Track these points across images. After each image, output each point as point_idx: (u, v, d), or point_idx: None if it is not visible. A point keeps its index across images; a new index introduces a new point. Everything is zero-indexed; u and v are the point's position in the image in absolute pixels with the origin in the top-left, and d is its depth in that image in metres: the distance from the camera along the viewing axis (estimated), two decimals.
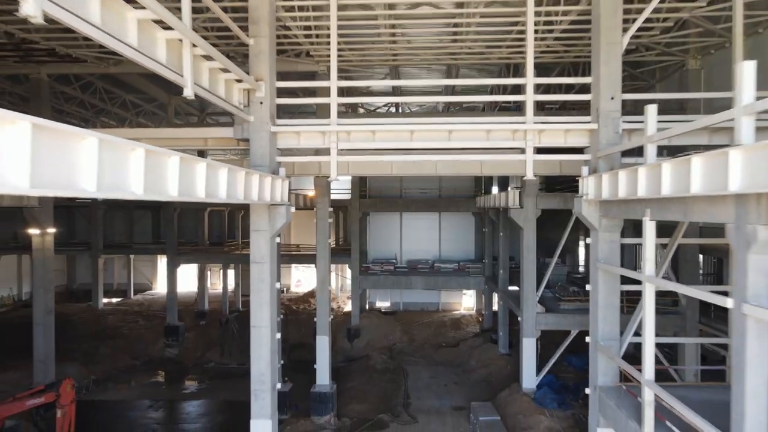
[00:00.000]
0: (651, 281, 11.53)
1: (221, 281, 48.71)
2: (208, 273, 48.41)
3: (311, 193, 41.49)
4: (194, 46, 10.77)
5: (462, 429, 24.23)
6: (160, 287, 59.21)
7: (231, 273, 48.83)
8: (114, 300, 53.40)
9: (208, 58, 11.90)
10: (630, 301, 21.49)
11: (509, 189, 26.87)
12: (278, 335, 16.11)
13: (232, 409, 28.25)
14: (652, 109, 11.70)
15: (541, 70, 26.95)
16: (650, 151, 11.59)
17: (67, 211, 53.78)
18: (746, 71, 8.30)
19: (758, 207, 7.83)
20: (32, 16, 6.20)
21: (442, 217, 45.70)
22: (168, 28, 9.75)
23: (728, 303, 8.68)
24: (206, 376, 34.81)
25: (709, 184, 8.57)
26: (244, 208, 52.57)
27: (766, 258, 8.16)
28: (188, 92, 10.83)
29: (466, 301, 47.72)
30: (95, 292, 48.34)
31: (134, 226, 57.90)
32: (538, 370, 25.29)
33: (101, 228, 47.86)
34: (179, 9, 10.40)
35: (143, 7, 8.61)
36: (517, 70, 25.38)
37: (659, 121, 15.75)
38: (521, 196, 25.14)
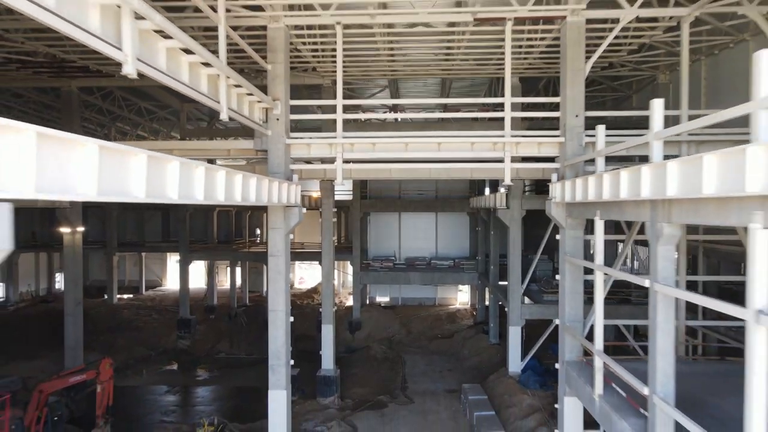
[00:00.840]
0: (599, 269, 14.13)
1: (228, 278, 51.30)
2: (216, 270, 50.97)
3: (315, 194, 44.16)
4: (228, 78, 13.36)
5: (453, 408, 26.80)
6: (170, 284, 61.85)
7: (237, 270, 51.35)
8: (126, 296, 55.97)
9: (237, 85, 14.49)
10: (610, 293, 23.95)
11: (498, 191, 29.43)
12: (291, 318, 18.66)
13: (243, 395, 30.73)
14: (601, 129, 14.31)
15: (527, 82, 29.51)
16: (599, 162, 14.20)
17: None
18: (657, 106, 10.88)
19: (663, 210, 10.41)
20: (130, 74, 8.84)
21: (439, 216, 48.27)
22: (208, 65, 12.33)
23: (646, 283, 11.27)
24: (217, 366, 37.31)
25: (630, 191, 11.17)
26: (251, 209, 55.18)
27: (670, 248, 10.75)
28: (224, 116, 13.47)
29: (461, 296, 50.32)
30: (110, 287, 50.91)
31: (145, 226, 60.48)
32: (523, 356, 27.85)
33: (115, 227, 50.48)
34: (206, 37, 13.00)
35: (193, 53, 11.20)
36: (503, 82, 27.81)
37: (620, 135, 18.43)
38: (508, 198, 27.70)
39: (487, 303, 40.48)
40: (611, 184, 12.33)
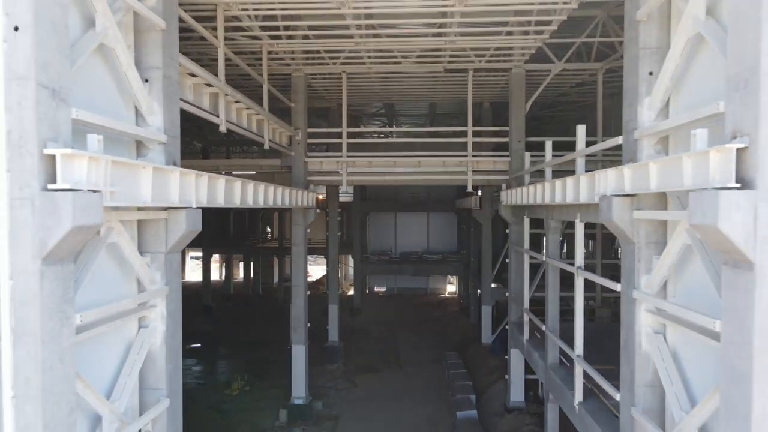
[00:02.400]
0: (526, 252, 20.33)
1: (241, 271, 57.59)
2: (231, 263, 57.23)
3: (321, 196, 50.36)
4: (269, 121, 19.58)
5: (436, 372, 32.95)
6: (187, 276, 68.10)
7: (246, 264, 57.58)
8: None
9: (272, 122, 20.69)
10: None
11: (474, 195, 35.62)
12: (308, 292, 24.86)
13: (259, 365, 36.77)
14: (527, 154, 20.48)
15: (497, 105, 35.60)
16: (526, 178, 20.38)
17: None
18: (580, 130, 16.93)
19: (550, 211, 16.55)
20: (222, 131, 15.06)
21: (430, 216, 54.49)
22: (255, 112, 18.51)
23: (543, 259, 17.45)
24: (234, 345, 43.42)
25: (537, 198, 17.33)
26: (263, 210, 61.38)
27: (556, 236, 16.90)
28: (266, 146, 19.69)
29: (449, 286, 56.51)
30: None
31: None
32: (494, 330, 33.99)
33: None
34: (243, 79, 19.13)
35: (249, 108, 17.41)
36: (480, 106, 33.90)
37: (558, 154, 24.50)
38: (481, 201, 33.86)
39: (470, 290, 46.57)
40: (530, 193, 18.51)
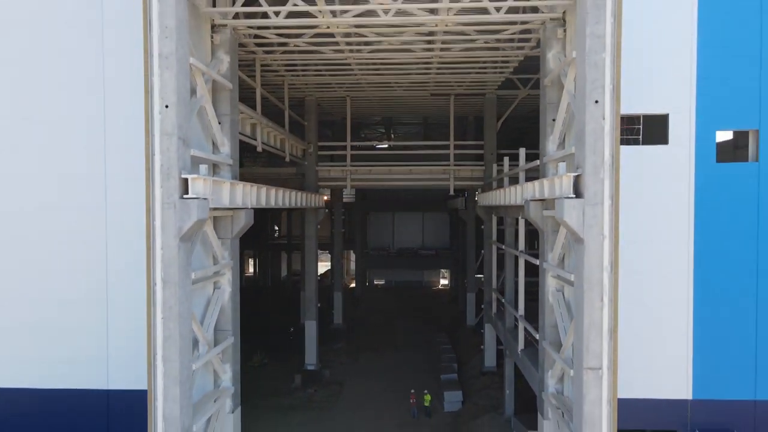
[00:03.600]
0: (494, 244, 25.53)
1: (251, 266, 62.69)
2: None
3: (326, 197, 55.53)
4: (289, 140, 24.76)
5: (427, 349, 38.07)
6: None
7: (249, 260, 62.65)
8: None
9: (291, 139, 25.86)
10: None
11: (460, 197, 40.75)
12: (319, 277, 30.04)
13: (272, 347, 41.85)
14: (495, 166, 25.65)
15: (481, 119, 40.66)
16: (495, 184, 25.55)
17: None
18: (521, 152, 22.17)
19: (506, 210, 21.72)
20: (259, 150, 20.31)
21: (425, 215, 59.63)
22: (280, 134, 23.67)
23: (503, 248, 22.64)
24: (249, 332, 48.56)
25: (497, 201, 22.52)
26: (272, 210, 66.53)
27: (511, 230, 22.05)
28: (287, 159, 24.90)
29: (442, 280, 61.67)
30: None
31: None
32: (477, 314, 39.14)
33: None
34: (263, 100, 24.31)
35: (276, 131, 22.61)
36: (466, 119, 38.98)
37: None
38: (466, 202, 39.02)
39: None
40: (493, 197, 23.69)
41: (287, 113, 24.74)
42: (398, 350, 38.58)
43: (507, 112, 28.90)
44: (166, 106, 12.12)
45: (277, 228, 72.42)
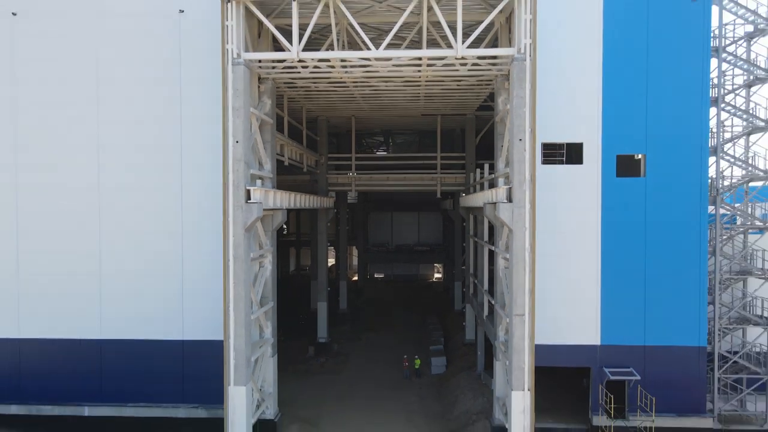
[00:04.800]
0: (471, 238, 31.72)
1: None
2: None
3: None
4: (306, 154, 30.96)
5: (419, 332, 44.18)
6: None
7: None
8: None
9: (307, 153, 32.02)
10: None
11: (448, 199, 46.85)
12: (329, 264, 36.20)
13: (285, 333, 47.98)
14: (476, 173, 31.81)
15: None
16: (471, 189, 31.71)
17: None
18: (486, 166, 28.33)
19: (479, 210, 27.88)
20: (285, 163, 26.55)
21: (420, 215, 65.74)
22: (299, 150, 29.87)
23: (483, 243, 28.81)
24: None
25: (472, 203, 28.71)
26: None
27: (483, 227, 28.20)
28: (305, 169, 31.11)
29: (436, 273, 67.79)
30: None
31: None
32: (463, 299, 45.26)
33: None
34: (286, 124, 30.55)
35: (297, 147, 28.84)
36: (454, 131, 45.07)
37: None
38: (453, 203, 45.14)
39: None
40: (469, 200, 29.86)
41: (305, 133, 30.92)
42: (395, 330, 44.72)
43: (485, 129, 35.04)
44: (237, 141, 18.38)
45: (285, 226, 78.57)
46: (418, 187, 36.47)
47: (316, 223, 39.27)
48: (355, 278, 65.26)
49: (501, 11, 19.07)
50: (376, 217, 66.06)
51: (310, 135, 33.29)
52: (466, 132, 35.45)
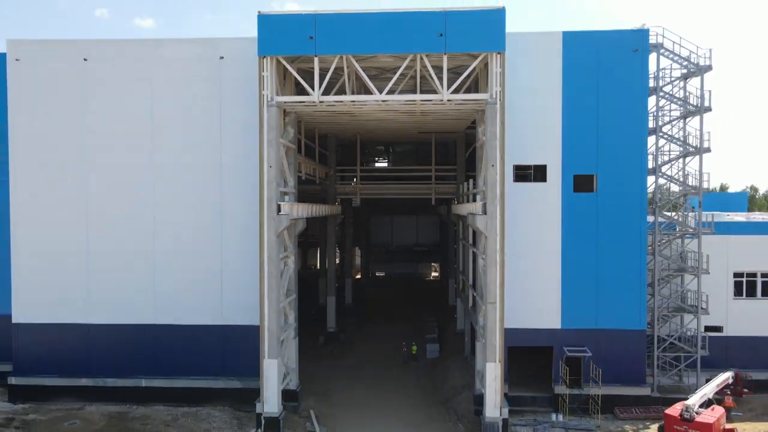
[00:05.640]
0: (461, 240, 36.78)
1: None
2: None
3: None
4: (320, 169, 36.02)
5: (417, 324, 49.15)
6: None
7: None
8: None
9: (319, 168, 37.06)
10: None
11: (442, 205, 51.84)
12: (337, 260, 41.27)
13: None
14: (464, 185, 36.86)
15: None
16: (461, 199, 36.75)
17: None
18: (470, 182, 33.36)
19: (465, 219, 32.93)
20: (303, 179, 31.69)
21: (419, 218, 70.74)
22: (313, 165, 34.95)
23: (469, 245, 33.84)
24: None
25: (461, 212, 33.76)
26: None
27: (468, 231, 33.23)
28: (317, 182, 36.16)
29: (433, 272, 72.81)
30: None
31: None
32: (456, 295, 50.22)
33: None
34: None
35: (311, 163, 33.94)
36: (447, 144, 50.07)
37: None
38: (448, 209, 50.13)
39: None
40: (458, 209, 34.88)
41: (317, 150, 35.97)
42: (395, 322, 49.75)
43: (474, 144, 39.97)
44: (270, 167, 23.45)
45: None
46: (415, 195, 41.50)
47: (324, 227, 44.43)
48: (358, 276, 70.25)
49: (480, 60, 24.06)
50: (377, 221, 71.04)
51: (322, 151, 38.33)
52: (457, 147, 40.48)
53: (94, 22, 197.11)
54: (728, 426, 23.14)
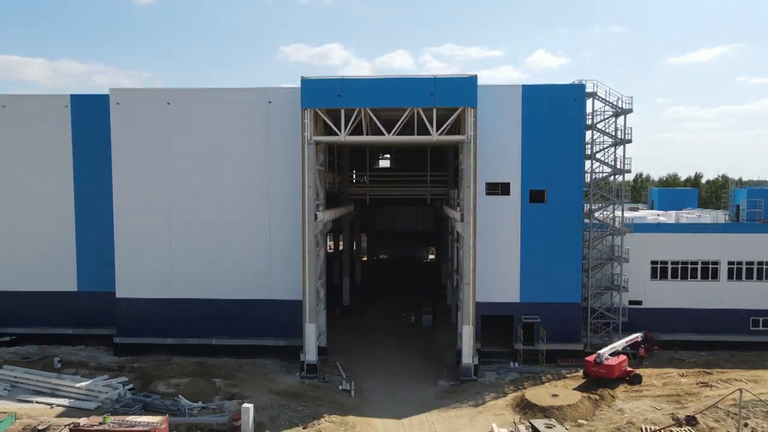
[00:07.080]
0: (451, 233, 46.41)
1: None
2: None
3: None
4: (335, 177, 45.49)
5: (415, 300, 58.96)
6: None
7: None
8: None
9: (337, 176, 46.49)
10: None
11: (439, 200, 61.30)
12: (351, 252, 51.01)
13: None
14: (452, 191, 46.33)
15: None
16: (448, 201, 46.25)
17: None
18: (455, 193, 42.82)
19: (452, 222, 42.47)
20: (326, 188, 41.38)
21: (418, 208, 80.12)
22: (332, 175, 44.42)
23: (454, 238, 43.45)
24: None
25: (450, 213, 43.30)
26: None
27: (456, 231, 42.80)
28: (336, 188, 45.72)
29: (430, 255, 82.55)
30: None
31: None
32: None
33: None
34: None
35: (330, 172, 43.46)
36: (440, 149, 59.27)
37: None
38: (442, 205, 59.56)
39: None
40: (446, 210, 44.37)
41: (336, 161, 45.37)
42: (396, 298, 59.71)
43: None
44: (309, 187, 32.99)
45: None
46: (414, 195, 50.97)
47: (339, 220, 54.07)
48: (365, 258, 80.00)
49: (459, 112, 33.26)
50: (382, 211, 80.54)
51: (340, 162, 47.70)
52: (448, 158, 49.83)
53: None
54: (629, 369, 33.05)
